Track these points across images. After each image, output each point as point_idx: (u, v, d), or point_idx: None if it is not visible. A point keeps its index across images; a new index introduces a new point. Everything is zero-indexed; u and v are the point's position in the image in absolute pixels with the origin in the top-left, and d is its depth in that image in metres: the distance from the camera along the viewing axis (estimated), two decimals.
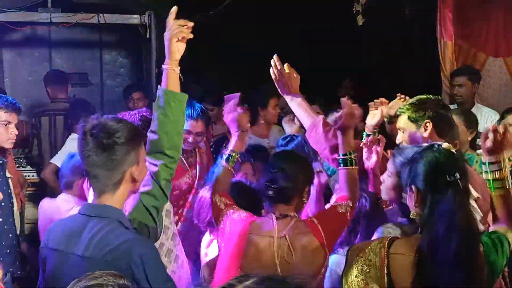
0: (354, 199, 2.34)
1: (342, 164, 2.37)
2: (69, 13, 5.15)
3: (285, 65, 2.70)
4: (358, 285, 1.87)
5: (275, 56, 2.71)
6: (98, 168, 1.91)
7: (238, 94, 2.65)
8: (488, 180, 2.07)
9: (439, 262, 1.81)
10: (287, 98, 2.74)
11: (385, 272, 1.86)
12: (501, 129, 2.03)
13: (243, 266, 2.15)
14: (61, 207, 3.05)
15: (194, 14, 5.52)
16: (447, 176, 1.85)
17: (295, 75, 2.71)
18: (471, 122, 3.37)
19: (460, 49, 4.85)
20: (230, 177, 2.48)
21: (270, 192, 2.22)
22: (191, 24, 2.11)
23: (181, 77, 2.12)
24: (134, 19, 5.28)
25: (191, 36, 2.11)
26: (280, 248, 2.17)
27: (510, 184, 2.05)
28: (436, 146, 2.03)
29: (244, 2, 5.56)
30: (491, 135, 2.03)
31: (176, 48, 2.09)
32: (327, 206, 2.46)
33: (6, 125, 3.04)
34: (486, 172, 2.08)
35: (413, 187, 1.92)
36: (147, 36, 5.25)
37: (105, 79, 6.33)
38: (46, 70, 6.17)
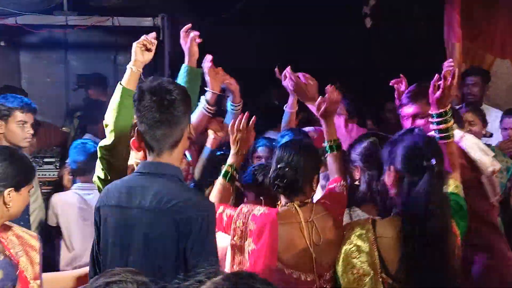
0: (345, 179, 2.43)
1: (329, 150, 2.45)
2: (85, 16, 5.20)
3: (301, 74, 2.75)
4: (352, 273, 2.01)
5: (288, 69, 2.76)
6: (159, 126, 1.90)
7: None
8: (435, 130, 2.26)
9: (418, 240, 1.94)
10: (309, 105, 2.76)
11: (376, 255, 1.99)
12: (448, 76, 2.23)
13: (280, 255, 2.15)
14: (80, 195, 3.17)
15: (206, 17, 5.57)
16: (424, 161, 1.98)
17: (311, 82, 2.75)
18: (484, 119, 3.68)
19: (467, 50, 4.83)
20: (230, 191, 2.48)
21: (281, 187, 2.22)
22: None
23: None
24: (148, 21, 5.31)
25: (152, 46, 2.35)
26: (309, 232, 2.18)
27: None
28: (416, 130, 2.15)
29: (256, 5, 5.56)
30: (439, 85, 2.23)
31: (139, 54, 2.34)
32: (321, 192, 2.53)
33: (22, 124, 3.09)
34: (433, 123, 2.27)
35: (391, 167, 2.06)
36: (160, 38, 5.27)
37: (119, 81, 6.36)
38: (62, 71, 6.25)
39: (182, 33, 2.73)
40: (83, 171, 3.26)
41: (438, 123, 2.25)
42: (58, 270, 3.16)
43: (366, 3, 4.67)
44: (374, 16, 4.75)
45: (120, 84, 2.26)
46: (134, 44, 2.34)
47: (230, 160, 2.43)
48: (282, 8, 5.59)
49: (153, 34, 2.38)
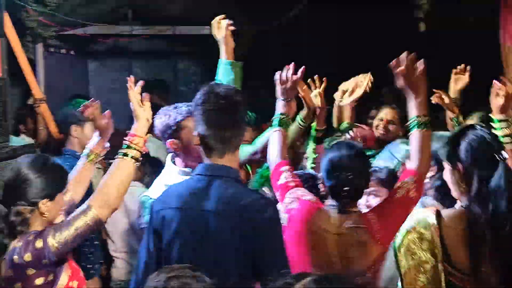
0: (424, 169, 2.15)
1: (417, 127, 2.09)
2: (148, 25, 5.44)
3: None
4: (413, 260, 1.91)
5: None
6: (225, 128, 1.89)
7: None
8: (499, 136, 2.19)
9: (491, 236, 1.85)
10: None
11: (439, 244, 1.89)
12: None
13: (310, 253, 2.13)
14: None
15: (259, 25, 5.68)
16: (495, 155, 1.89)
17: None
18: None
19: None
20: (286, 142, 2.38)
21: (344, 193, 2.13)
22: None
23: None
24: (206, 30, 5.44)
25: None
26: (339, 242, 2.12)
27: None
28: (478, 126, 2.03)
29: (308, 12, 5.60)
30: (502, 92, 2.19)
31: None
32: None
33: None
34: (496, 129, 2.21)
35: (458, 164, 1.93)
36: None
37: (179, 86, 6.56)
38: (125, 78, 6.49)
39: (214, 23, 2.67)
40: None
41: (501, 128, 2.22)
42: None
43: (419, 7, 4.62)
44: (428, 20, 4.69)
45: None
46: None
47: (280, 109, 2.32)
48: (331, 14, 5.60)
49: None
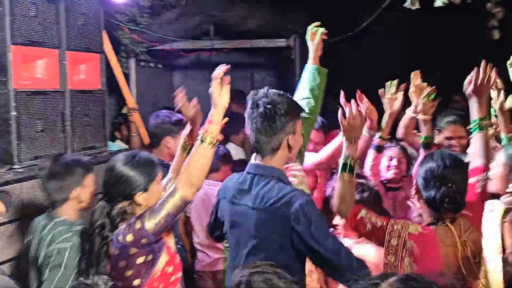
0: (488, 165, 2.26)
1: (478, 129, 2.23)
2: (228, 40, 5.63)
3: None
4: None
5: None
6: (260, 134, 2.06)
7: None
8: None
9: None
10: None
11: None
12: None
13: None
14: (204, 188, 3.47)
15: (333, 36, 5.75)
16: None
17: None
18: None
19: None
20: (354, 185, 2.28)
21: (449, 207, 2.12)
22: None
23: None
24: (282, 42, 5.58)
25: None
26: (464, 253, 2.11)
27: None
28: None
29: (383, 24, 5.60)
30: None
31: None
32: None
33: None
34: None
35: None
36: (292, 57, 5.55)
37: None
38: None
39: (309, 31, 2.71)
40: (215, 169, 3.52)
41: None
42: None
43: (493, 15, 4.52)
44: (502, 27, 4.57)
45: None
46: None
47: (345, 152, 2.20)
48: (404, 23, 5.57)
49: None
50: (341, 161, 2.21)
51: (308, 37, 2.72)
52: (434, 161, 2.15)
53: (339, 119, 2.21)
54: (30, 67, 2.92)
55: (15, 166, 2.79)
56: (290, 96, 2.20)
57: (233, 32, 5.72)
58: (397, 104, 2.99)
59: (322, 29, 2.69)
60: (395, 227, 2.14)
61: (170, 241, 2.27)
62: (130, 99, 4.20)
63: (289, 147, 2.10)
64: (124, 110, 4.65)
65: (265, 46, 5.69)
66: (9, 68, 2.75)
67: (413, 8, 3.68)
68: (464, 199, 2.14)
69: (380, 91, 2.87)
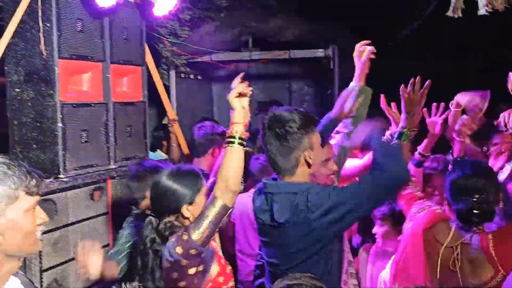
0: None
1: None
2: (265, 51, 5.65)
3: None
4: None
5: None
6: (275, 155, 2.04)
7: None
8: None
9: None
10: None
11: None
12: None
13: (426, 263, 2.16)
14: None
15: (372, 44, 5.69)
16: None
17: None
18: None
19: None
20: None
21: (474, 217, 2.09)
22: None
23: None
24: (320, 52, 5.55)
25: (248, 93, 2.07)
26: (449, 256, 2.10)
27: None
28: None
29: (423, 33, 5.51)
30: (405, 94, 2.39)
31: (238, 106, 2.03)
32: None
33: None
34: None
35: None
36: (331, 67, 5.51)
37: (293, 105, 6.71)
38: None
39: (357, 49, 2.62)
40: (257, 180, 3.62)
41: None
42: None
43: None
44: None
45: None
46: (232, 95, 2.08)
47: (402, 123, 2.40)
48: (445, 32, 5.46)
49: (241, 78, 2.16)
50: (397, 131, 2.40)
51: (355, 54, 2.62)
52: (456, 172, 2.15)
53: (400, 92, 2.39)
54: (75, 80, 3.01)
55: (61, 176, 2.87)
56: (302, 110, 2.13)
57: (271, 43, 5.74)
58: (438, 127, 2.92)
59: (370, 48, 2.57)
60: (426, 203, 2.27)
61: (220, 251, 2.31)
62: (170, 110, 4.26)
63: (308, 163, 2.05)
64: (165, 121, 4.71)
65: (302, 57, 5.67)
66: (56, 82, 2.84)
67: (456, 16, 3.59)
68: (493, 207, 2.08)
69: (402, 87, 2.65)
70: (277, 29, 5.57)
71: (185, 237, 2.01)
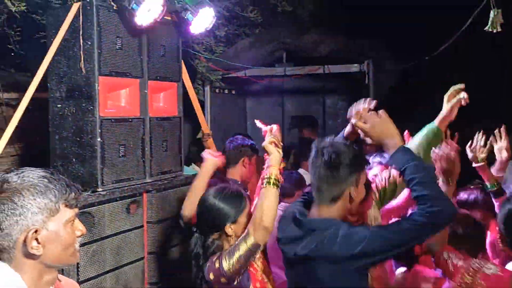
0: None
1: None
2: (300, 66, 5.65)
3: None
4: None
5: None
6: (322, 181, 2.00)
7: None
8: None
9: None
10: None
11: None
12: None
13: None
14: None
15: (409, 60, 5.63)
16: None
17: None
18: None
19: None
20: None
21: None
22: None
23: None
24: (354, 67, 5.50)
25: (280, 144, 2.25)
26: None
27: None
28: None
29: (461, 48, 5.41)
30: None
31: None
32: None
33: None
34: None
35: None
36: (365, 82, 5.46)
37: (327, 120, 6.68)
38: (279, 114, 6.79)
39: (451, 90, 2.30)
40: (289, 194, 3.63)
41: None
42: None
43: None
44: None
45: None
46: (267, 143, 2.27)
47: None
48: (480, 48, 5.34)
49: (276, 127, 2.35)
50: None
51: (446, 94, 2.31)
52: (510, 204, 2.13)
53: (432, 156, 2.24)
54: (114, 96, 3.07)
55: (98, 189, 2.92)
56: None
57: (305, 58, 5.75)
58: (505, 153, 2.88)
59: (464, 94, 2.24)
60: (473, 265, 2.10)
61: (262, 275, 2.33)
62: (205, 125, 4.29)
63: (351, 199, 2.02)
64: (199, 136, 4.75)
65: (336, 72, 5.65)
66: (96, 97, 2.91)
67: (495, 31, 3.52)
68: None
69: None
70: (311, 44, 5.59)
71: (217, 264, 2.10)
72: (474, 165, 2.84)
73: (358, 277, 1.95)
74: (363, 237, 1.88)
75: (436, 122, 2.27)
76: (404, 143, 2.12)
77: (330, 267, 1.93)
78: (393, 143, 2.00)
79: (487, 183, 2.83)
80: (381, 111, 2.09)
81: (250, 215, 2.28)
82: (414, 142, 2.28)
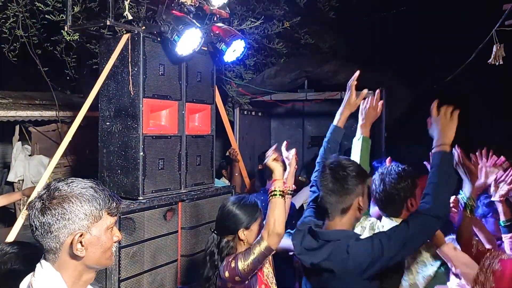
0: None
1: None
2: (319, 92, 5.67)
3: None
4: None
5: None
6: (331, 195, 1.99)
7: None
8: None
9: None
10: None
11: None
12: None
13: None
14: None
15: (419, 88, 5.58)
16: None
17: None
18: None
19: None
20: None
21: None
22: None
23: None
24: (369, 94, 5.48)
25: (279, 159, 2.23)
26: None
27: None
28: None
29: (473, 72, 5.33)
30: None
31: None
32: None
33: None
34: None
35: None
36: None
37: (343, 141, 6.61)
38: (299, 134, 6.78)
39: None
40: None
41: None
42: None
43: None
44: None
45: None
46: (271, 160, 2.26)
47: (468, 191, 2.21)
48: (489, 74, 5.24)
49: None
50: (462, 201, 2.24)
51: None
52: None
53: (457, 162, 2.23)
54: (156, 116, 3.11)
55: (140, 198, 2.95)
56: (357, 163, 2.15)
57: (325, 85, 5.76)
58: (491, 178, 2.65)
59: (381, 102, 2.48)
60: (495, 253, 2.09)
61: (268, 276, 2.33)
62: (234, 143, 4.31)
63: (360, 208, 1.99)
64: (229, 152, 4.76)
65: None
66: (140, 117, 2.95)
67: (496, 64, 3.48)
68: None
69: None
70: (330, 73, 5.59)
71: (233, 264, 2.11)
72: (493, 199, 2.54)
73: (369, 284, 1.91)
74: (374, 243, 1.86)
75: (360, 134, 2.52)
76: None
77: (342, 275, 1.89)
78: (442, 141, 1.96)
79: (502, 218, 2.48)
80: (455, 111, 2.03)
81: (262, 226, 2.29)
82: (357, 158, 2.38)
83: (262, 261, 2.13)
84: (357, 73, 2.42)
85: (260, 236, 2.14)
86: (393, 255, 1.85)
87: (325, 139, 2.45)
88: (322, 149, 2.41)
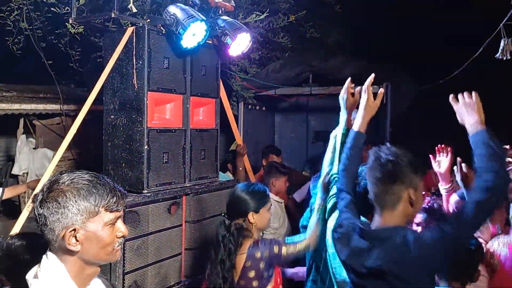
0: None
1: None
2: (324, 86, 5.65)
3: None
4: None
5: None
6: (380, 184, 1.81)
7: None
8: None
9: None
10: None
11: None
12: None
13: None
14: None
15: (424, 82, 5.55)
16: None
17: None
18: None
19: None
20: None
21: None
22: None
23: None
24: (374, 89, 5.45)
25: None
26: None
27: None
28: None
29: (473, 72, 5.31)
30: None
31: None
32: None
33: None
34: None
35: None
36: (384, 102, 5.40)
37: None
38: (303, 129, 6.77)
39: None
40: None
41: None
42: None
43: None
44: None
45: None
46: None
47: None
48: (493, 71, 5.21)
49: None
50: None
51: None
52: None
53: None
54: (160, 110, 3.11)
55: (144, 191, 2.95)
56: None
57: (329, 79, 5.74)
58: (444, 166, 2.78)
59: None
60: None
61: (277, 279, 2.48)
62: (238, 137, 4.31)
63: (411, 202, 1.78)
64: (233, 147, 4.76)
65: None
66: (144, 110, 2.95)
67: (504, 58, 3.46)
68: None
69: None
70: (335, 67, 5.57)
71: (276, 249, 2.33)
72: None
73: (430, 281, 1.77)
74: (435, 233, 1.68)
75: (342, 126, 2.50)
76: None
77: (405, 276, 1.69)
78: (476, 121, 1.85)
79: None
80: (474, 93, 1.93)
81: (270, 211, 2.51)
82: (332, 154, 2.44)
83: (300, 255, 2.39)
84: (373, 75, 2.35)
85: (304, 235, 2.36)
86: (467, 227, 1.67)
87: (347, 146, 2.22)
88: (344, 156, 2.18)
